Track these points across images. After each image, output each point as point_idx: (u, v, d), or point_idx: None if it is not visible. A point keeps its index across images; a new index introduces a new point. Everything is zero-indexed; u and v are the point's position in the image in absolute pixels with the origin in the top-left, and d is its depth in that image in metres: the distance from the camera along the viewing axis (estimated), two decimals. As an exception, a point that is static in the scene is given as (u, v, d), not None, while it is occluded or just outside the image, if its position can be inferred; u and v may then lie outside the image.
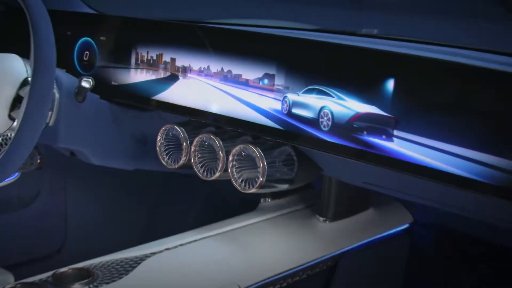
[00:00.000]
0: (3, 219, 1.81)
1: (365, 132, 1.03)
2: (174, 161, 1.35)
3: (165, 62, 1.36)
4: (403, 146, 0.99)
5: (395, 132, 1.00)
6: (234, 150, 1.23)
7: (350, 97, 1.06)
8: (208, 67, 1.28)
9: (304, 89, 1.12)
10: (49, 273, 1.17)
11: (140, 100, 1.42)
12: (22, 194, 1.85)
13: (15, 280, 1.25)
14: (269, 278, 1.30)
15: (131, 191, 2.02)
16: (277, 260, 1.34)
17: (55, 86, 1.29)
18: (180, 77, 1.33)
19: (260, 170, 1.21)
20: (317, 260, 1.39)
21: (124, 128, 1.47)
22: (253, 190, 1.23)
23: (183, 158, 1.32)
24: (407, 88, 1.00)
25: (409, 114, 0.99)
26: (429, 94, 0.97)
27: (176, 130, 1.32)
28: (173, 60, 1.34)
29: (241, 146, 1.23)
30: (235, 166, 1.24)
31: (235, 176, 1.24)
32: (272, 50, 1.19)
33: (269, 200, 1.52)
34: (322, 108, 1.09)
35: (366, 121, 1.03)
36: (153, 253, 1.25)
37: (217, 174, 1.27)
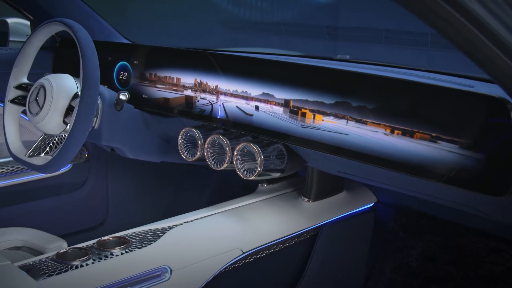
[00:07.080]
0: (58, 200, 1.82)
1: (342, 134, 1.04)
2: (191, 155, 1.36)
3: (184, 81, 1.36)
4: (370, 143, 1.01)
5: (364, 133, 1.01)
6: (238, 147, 1.24)
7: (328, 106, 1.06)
8: (219, 84, 1.28)
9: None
10: (94, 241, 1.18)
11: (165, 109, 1.43)
12: (73, 180, 1.85)
13: (68, 246, 1.26)
14: (265, 244, 1.31)
15: (157, 178, 2.02)
16: (271, 230, 1.35)
17: (99, 99, 1.30)
18: (196, 92, 1.34)
19: (258, 162, 1.22)
20: (302, 231, 1.40)
21: (153, 130, 1.47)
22: (252, 178, 1.24)
23: (198, 153, 1.33)
24: (373, 99, 1.01)
25: (374, 118, 1.00)
26: (389, 103, 0.99)
27: (193, 131, 1.33)
28: (190, 79, 1.35)
29: (243, 143, 1.23)
30: (238, 159, 1.25)
31: (239, 166, 1.25)
32: (267, 71, 1.19)
33: (265, 185, 1.52)
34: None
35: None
36: (175, 225, 1.26)
37: (225, 165, 1.28)
